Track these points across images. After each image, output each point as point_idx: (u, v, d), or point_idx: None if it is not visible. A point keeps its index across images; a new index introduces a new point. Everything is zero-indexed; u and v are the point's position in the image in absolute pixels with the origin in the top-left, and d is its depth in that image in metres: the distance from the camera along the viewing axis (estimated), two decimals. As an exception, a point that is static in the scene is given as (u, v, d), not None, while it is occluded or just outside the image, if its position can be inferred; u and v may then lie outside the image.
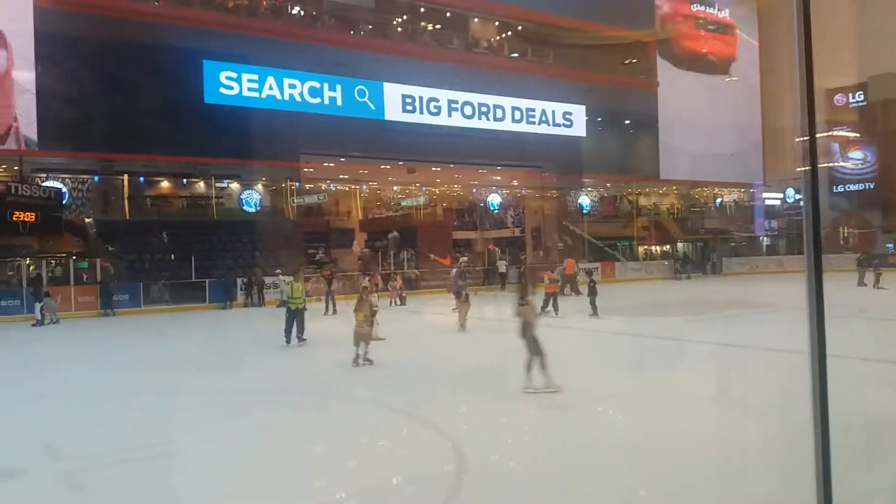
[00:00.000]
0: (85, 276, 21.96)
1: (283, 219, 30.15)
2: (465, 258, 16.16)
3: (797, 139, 2.99)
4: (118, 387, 9.41)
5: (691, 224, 39.83)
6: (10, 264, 21.66)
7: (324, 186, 33.50)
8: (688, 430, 6.25)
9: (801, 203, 2.88)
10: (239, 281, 23.40)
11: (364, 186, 35.22)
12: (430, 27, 31.43)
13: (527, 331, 8.27)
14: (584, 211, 40.41)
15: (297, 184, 30.86)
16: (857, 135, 40.73)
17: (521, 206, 37.74)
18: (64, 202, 24.23)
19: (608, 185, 40.78)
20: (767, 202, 41.79)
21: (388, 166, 31.90)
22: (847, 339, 10.92)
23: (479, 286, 24.54)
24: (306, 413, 7.59)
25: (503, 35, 33.24)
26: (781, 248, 39.14)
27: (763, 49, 41.00)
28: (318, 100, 27.06)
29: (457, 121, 30.29)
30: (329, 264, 23.14)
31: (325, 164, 30.65)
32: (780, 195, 42.06)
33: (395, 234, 30.25)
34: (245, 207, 31.26)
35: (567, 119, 33.34)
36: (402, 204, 36.46)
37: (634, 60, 36.69)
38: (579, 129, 33.77)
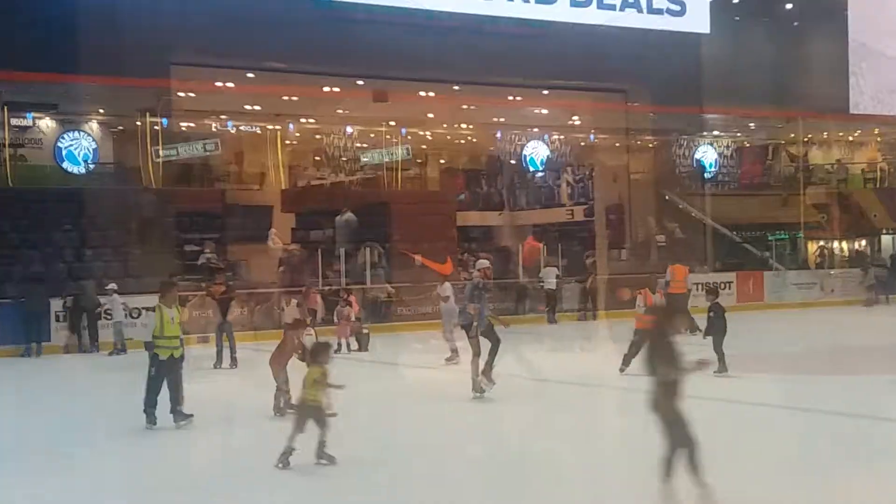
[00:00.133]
0: None
1: (137, 186, 30.31)
2: (483, 262, 16.25)
3: None
4: None
5: (907, 201, 40.13)
6: None
7: (215, 126, 33.68)
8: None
9: None
10: (55, 304, 23.62)
11: (291, 127, 35.39)
12: None
13: (668, 404, 8.37)
14: (707, 175, 40.60)
15: (165, 121, 31.02)
16: None
17: (588, 166, 37.85)
18: None
19: (751, 125, 40.99)
20: None
21: (336, 88, 32.09)
22: None
23: (505, 314, 24.62)
24: None
25: None
26: None
27: None
28: (204, -38, 27.25)
29: (468, 3, 30.55)
30: (224, 273, 23.24)
31: (218, 84, 30.81)
32: None
33: (349, 216, 30.44)
34: (67, 164, 31.41)
35: (676, 1, 33.49)
36: (363, 161, 36.73)
37: None
38: (698, 19, 33.88)
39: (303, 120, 35.30)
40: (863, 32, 37.37)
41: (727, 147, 42.18)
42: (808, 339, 23.79)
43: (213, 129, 33.40)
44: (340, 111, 34.59)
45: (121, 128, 32.74)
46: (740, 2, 36.01)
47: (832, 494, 8.98)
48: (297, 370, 13.19)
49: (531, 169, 38.50)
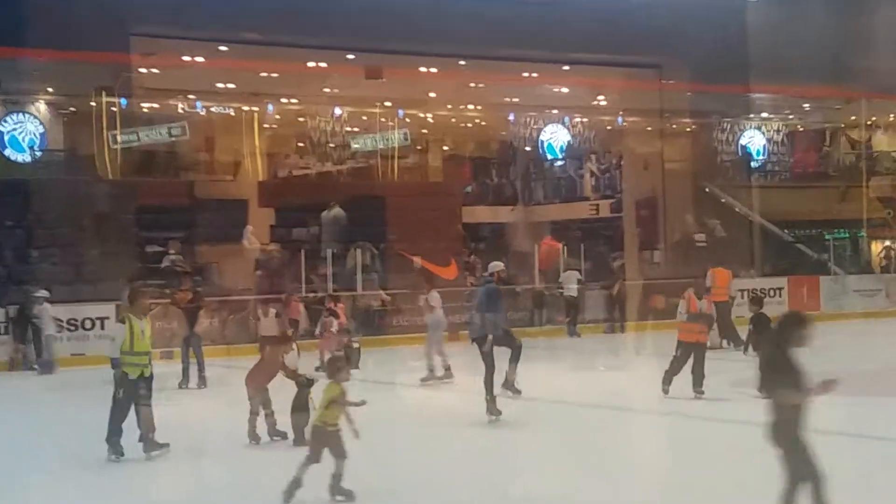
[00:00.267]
0: None
1: (91, 177, 30.27)
2: (497, 264, 16.26)
3: None
4: None
5: None
6: None
7: (182, 108, 33.66)
8: None
9: None
10: (-4, 313, 23.77)
11: (270, 108, 35.35)
12: None
13: (789, 432, 8.40)
14: (754, 164, 40.50)
15: (124, 101, 31.04)
16: None
17: (616, 154, 37.80)
18: None
19: (805, 106, 40.93)
20: None
21: (323, 64, 32.13)
22: None
23: (518, 326, 24.58)
24: None
25: None
26: None
27: None
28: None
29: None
30: (191, 278, 23.16)
31: (185, 58, 30.83)
32: None
33: (338, 211, 30.42)
34: (9, 152, 31.30)
35: (716, -38, 33.31)
36: (354, 147, 36.73)
37: None
38: (743, -17, 33.83)
39: (284, 100, 35.26)
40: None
41: (777, 132, 42.10)
42: (873, 355, 23.50)
43: (180, 111, 33.31)
44: (327, 90, 34.52)
45: (72, 109, 32.71)
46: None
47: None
48: (281, 390, 13.28)
49: (549, 157, 38.47)
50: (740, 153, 40.80)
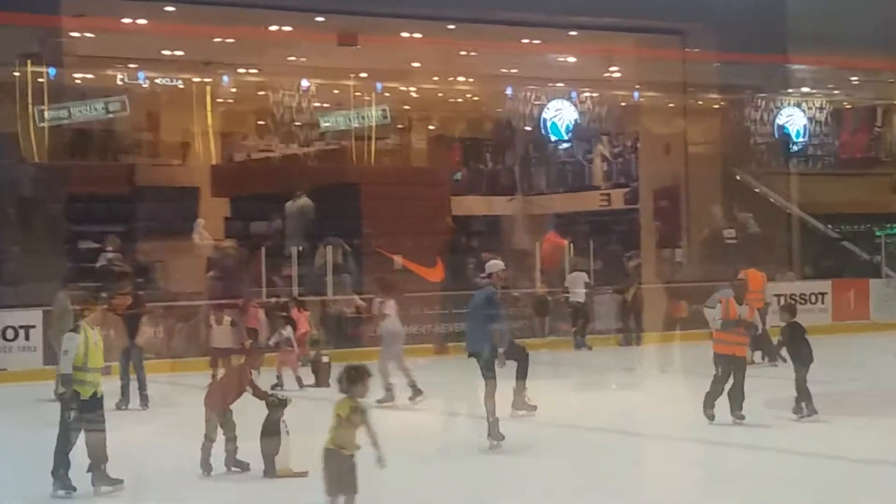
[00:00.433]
0: None
1: (13, 159, 30.15)
2: (497, 263, 16.26)
3: None
4: None
5: None
6: None
7: (122, 79, 33.63)
8: None
9: None
10: None
11: (226, 80, 35.40)
12: None
13: None
14: (794, 148, 40.52)
15: (53, 71, 31.03)
16: None
17: (631, 135, 37.82)
18: None
19: (853, 79, 40.97)
20: None
21: (288, 28, 32.21)
22: None
23: (521, 336, 24.57)
24: None
25: None
26: None
27: None
28: None
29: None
30: (131, 280, 23.17)
31: (126, 21, 30.78)
32: None
33: (305, 202, 30.42)
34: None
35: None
36: (323, 126, 36.72)
37: None
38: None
39: (241, 71, 35.33)
40: None
41: (820, 109, 42.20)
42: None
43: (119, 83, 33.27)
44: (293, 59, 34.59)
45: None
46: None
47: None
48: (241, 412, 13.27)
49: (553, 138, 38.46)
50: (777, 134, 40.87)
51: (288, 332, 21.98)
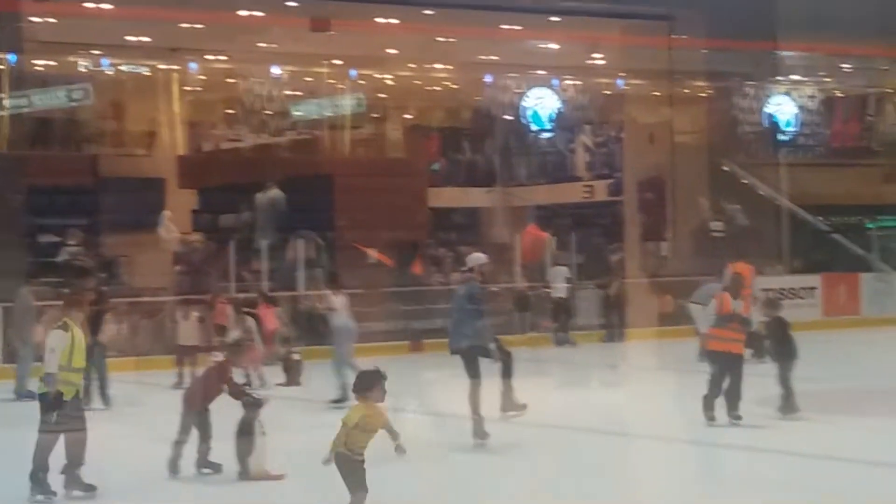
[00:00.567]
0: None
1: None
2: (479, 256, 16.21)
3: None
4: None
5: None
6: None
7: (85, 66, 33.54)
8: None
9: None
10: None
11: (193, 67, 35.31)
12: None
13: None
14: (783, 138, 40.59)
15: (13, 58, 31.00)
16: None
17: (615, 124, 37.82)
18: None
19: (845, 67, 41.02)
20: None
21: (258, 13, 32.12)
22: None
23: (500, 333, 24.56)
24: None
25: None
26: None
27: None
28: None
29: None
30: (95, 275, 23.11)
31: (89, 5, 30.75)
32: None
33: (276, 193, 30.33)
34: None
35: None
36: (295, 115, 36.73)
37: None
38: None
39: (210, 57, 35.22)
40: None
41: (811, 98, 42.26)
42: None
43: (83, 70, 33.20)
44: (263, 45, 34.49)
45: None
46: None
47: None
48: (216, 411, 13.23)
49: (534, 128, 38.42)
50: (766, 124, 40.91)
51: (249, 327, 21.94)
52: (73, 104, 31.64)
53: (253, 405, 12.77)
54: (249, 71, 36.08)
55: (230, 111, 37.44)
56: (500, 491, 13.03)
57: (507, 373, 15.61)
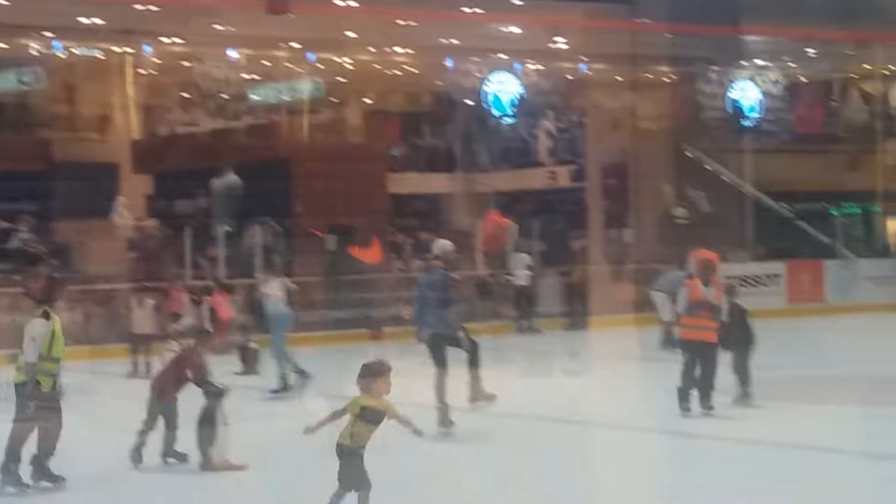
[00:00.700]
0: None
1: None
2: (445, 243, 16.24)
3: None
4: None
5: None
6: None
7: (35, 48, 33.43)
8: None
9: None
10: None
11: (147, 49, 35.18)
12: None
13: None
14: (747, 123, 40.81)
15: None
16: None
17: (577, 110, 37.92)
18: None
19: (809, 51, 41.37)
20: None
21: (213, -6, 32.11)
22: None
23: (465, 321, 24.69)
24: None
25: None
26: None
27: None
28: None
29: None
30: (47, 262, 23.07)
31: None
32: None
33: (232, 179, 30.31)
34: None
35: None
36: (252, 99, 36.69)
37: None
38: None
39: (165, 40, 35.11)
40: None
41: (775, 83, 42.45)
42: (886, 355, 23.49)
43: (33, 53, 33.06)
44: (219, 27, 34.32)
45: None
46: None
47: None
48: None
49: (496, 113, 38.50)
50: (730, 110, 41.11)
51: (203, 315, 21.93)
52: (24, 88, 31.53)
53: (215, 394, 12.76)
54: (205, 54, 35.99)
55: (186, 95, 37.32)
56: (465, 480, 13.08)
57: (474, 362, 15.68)
